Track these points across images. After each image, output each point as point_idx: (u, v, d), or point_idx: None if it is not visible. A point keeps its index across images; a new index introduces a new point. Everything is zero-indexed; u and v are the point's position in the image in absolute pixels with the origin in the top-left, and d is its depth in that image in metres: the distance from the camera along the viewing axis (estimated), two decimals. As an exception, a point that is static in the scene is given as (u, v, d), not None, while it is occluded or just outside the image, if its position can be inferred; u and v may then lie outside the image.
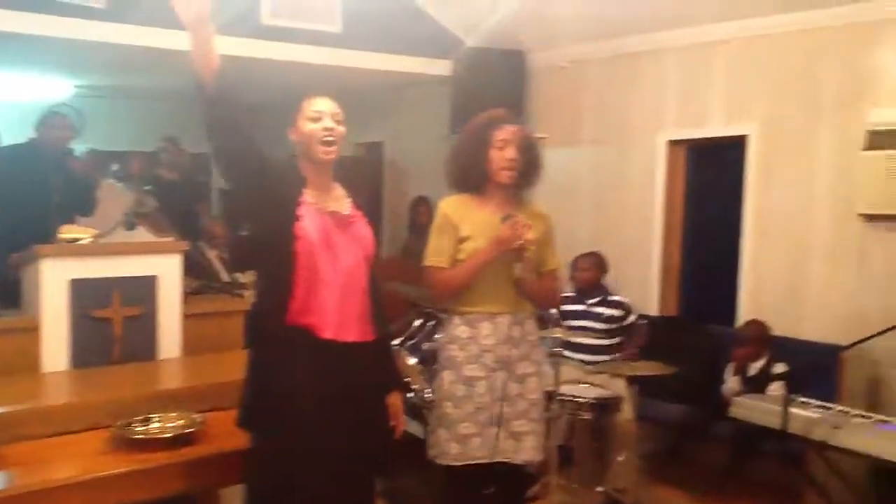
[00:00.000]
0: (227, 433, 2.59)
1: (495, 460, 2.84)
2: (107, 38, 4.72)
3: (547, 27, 5.69)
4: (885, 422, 3.17)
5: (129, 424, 2.59)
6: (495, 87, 5.72)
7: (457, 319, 2.84)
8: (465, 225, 2.84)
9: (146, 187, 6.27)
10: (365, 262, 2.49)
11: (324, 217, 2.41)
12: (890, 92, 4.18)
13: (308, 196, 2.40)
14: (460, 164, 2.91)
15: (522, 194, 2.97)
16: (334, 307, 2.37)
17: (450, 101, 5.91)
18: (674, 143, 5.29)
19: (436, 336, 2.95)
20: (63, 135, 4.48)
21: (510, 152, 2.83)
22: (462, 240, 2.83)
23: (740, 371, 4.28)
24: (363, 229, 2.53)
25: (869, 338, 3.28)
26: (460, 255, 2.83)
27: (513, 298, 2.87)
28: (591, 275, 4.85)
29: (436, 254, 2.84)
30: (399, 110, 7.21)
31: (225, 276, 5.76)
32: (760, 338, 4.30)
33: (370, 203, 8.55)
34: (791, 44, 4.61)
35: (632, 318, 4.75)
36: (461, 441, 2.81)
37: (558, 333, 3.79)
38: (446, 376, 2.83)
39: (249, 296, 5.52)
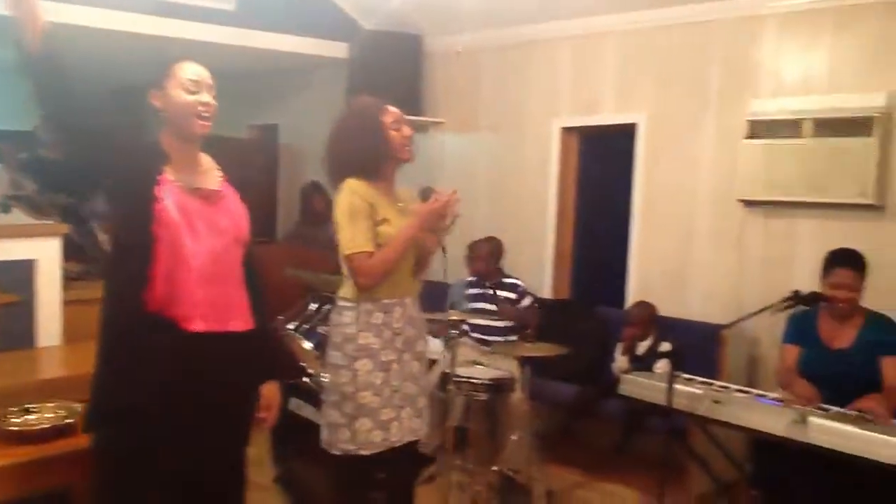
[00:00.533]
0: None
1: (405, 441, 2.88)
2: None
3: (444, 13, 5.69)
4: (763, 396, 3.33)
5: (5, 416, 2.46)
6: (392, 70, 5.69)
7: (370, 306, 2.80)
8: (380, 208, 2.81)
9: (24, 169, 5.94)
10: (236, 245, 2.33)
11: (188, 197, 2.23)
12: (769, 84, 4.40)
13: (169, 174, 2.22)
14: (357, 148, 2.87)
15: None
16: (203, 296, 2.19)
17: (346, 84, 5.84)
18: (567, 130, 5.40)
19: (335, 322, 2.86)
20: None
21: (407, 130, 2.92)
22: (379, 223, 2.79)
23: (629, 350, 4.43)
24: (235, 207, 2.36)
25: (746, 317, 3.43)
26: (379, 239, 2.79)
27: (413, 280, 2.94)
28: (487, 262, 4.91)
29: (361, 240, 2.75)
30: (294, 93, 7.08)
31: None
32: (647, 318, 4.46)
33: (264, 188, 8.40)
34: (678, 36, 4.77)
35: (526, 301, 4.83)
36: (384, 428, 2.81)
37: (454, 316, 3.82)
38: (362, 366, 2.78)
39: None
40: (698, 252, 4.72)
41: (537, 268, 5.51)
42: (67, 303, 3.43)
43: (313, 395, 3.62)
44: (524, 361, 4.03)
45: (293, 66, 6.65)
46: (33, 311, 3.24)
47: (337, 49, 5.90)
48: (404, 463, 3.00)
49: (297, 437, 3.30)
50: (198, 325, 2.18)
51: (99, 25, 4.83)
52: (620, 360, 4.45)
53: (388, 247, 2.77)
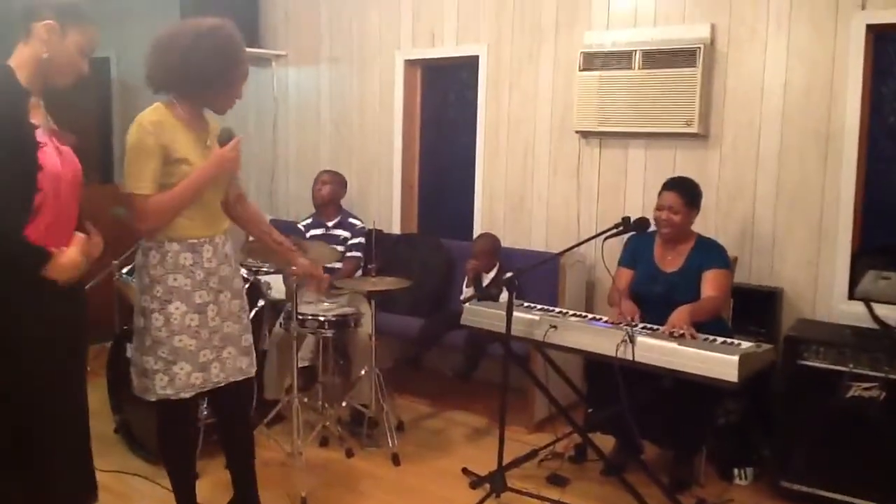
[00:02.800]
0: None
1: (232, 380, 2.82)
2: None
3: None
4: (597, 319, 3.47)
5: None
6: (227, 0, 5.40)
7: (177, 247, 2.66)
8: (180, 146, 2.63)
9: None
10: (78, 187, 2.32)
11: (52, 139, 2.19)
12: (601, 17, 4.48)
13: (35, 116, 2.16)
14: (212, 68, 2.62)
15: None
16: (66, 240, 2.23)
17: (179, 14, 5.50)
18: (410, 63, 5.33)
19: (140, 264, 2.72)
20: None
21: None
22: (175, 162, 2.61)
23: (474, 282, 4.49)
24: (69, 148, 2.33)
25: (580, 244, 3.55)
26: (171, 178, 2.61)
27: (223, 217, 2.85)
28: (332, 189, 4.82)
29: (141, 180, 2.57)
30: (125, 23, 6.62)
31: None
32: (491, 249, 4.53)
33: (98, 125, 7.94)
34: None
35: (355, 240, 4.77)
36: (204, 370, 2.74)
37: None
38: (175, 309, 2.67)
39: None
40: (539, 183, 4.82)
41: (384, 203, 5.48)
42: None
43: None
44: (370, 296, 4.01)
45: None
46: None
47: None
48: (234, 401, 2.94)
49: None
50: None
51: None
52: (466, 292, 4.51)
53: (175, 190, 2.61)
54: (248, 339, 2.91)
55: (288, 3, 5.83)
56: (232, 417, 2.97)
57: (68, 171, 2.25)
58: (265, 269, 4.29)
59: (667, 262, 3.64)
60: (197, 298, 2.70)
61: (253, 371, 2.93)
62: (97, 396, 3.47)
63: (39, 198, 2.14)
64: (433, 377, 4.76)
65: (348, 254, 4.69)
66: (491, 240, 4.58)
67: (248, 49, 5.72)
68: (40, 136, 2.16)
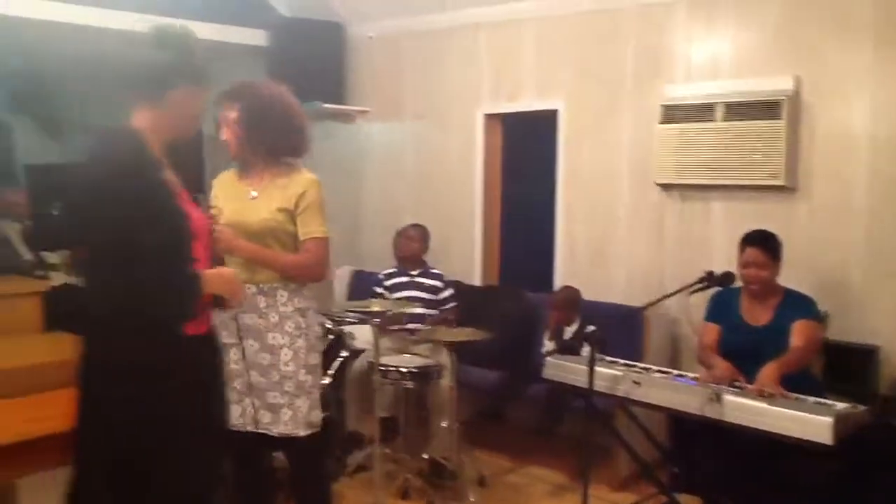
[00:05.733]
0: (13, 423, 2.43)
1: (257, 431, 2.88)
2: None
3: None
4: (682, 376, 3.41)
5: None
6: (313, 58, 5.62)
7: None
8: (220, 198, 3.00)
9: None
10: (208, 237, 2.40)
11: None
12: (681, 69, 4.48)
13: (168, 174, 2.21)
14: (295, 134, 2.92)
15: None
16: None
17: (266, 72, 5.74)
18: (490, 117, 5.42)
19: None
20: None
21: None
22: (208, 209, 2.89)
23: (556, 335, 4.47)
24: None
25: (662, 298, 3.51)
26: None
27: (258, 269, 2.89)
28: (419, 246, 4.91)
29: (324, 225, 2.92)
30: (212, 82, 6.93)
31: (26, 255, 5.38)
32: (572, 302, 4.51)
33: (198, 184, 8.32)
34: (593, 22, 4.82)
35: (447, 292, 4.84)
36: None
37: (376, 307, 3.79)
38: None
39: (58, 277, 5.19)
40: (619, 236, 4.79)
41: (465, 255, 5.53)
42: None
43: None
44: (452, 348, 4.03)
45: (210, 55, 6.49)
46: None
47: (254, 36, 5.77)
48: (291, 457, 3.00)
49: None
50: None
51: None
52: (547, 345, 4.49)
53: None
54: (277, 397, 2.88)
55: (373, 62, 6.01)
56: (292, 474, 3.01)
57: (199, 231, 2.29)
58: (349, 320, 4.37)
59: (755, 316, 3.56)
60: (224, 336, 2.77)
61: (276, 431, 2.89)
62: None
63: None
64: (514, 431, 4.72)
65: (447, 305, 4.79)
66: (572, 292, 4.57)
67: (334, 105, 5.95)
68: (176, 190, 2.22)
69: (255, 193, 2.91)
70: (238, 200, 2.91)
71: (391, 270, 4.96)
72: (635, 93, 4.66)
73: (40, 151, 7.69)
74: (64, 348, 3.07)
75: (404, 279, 4.86)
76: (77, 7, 4.90)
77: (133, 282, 2.01)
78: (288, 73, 5.29)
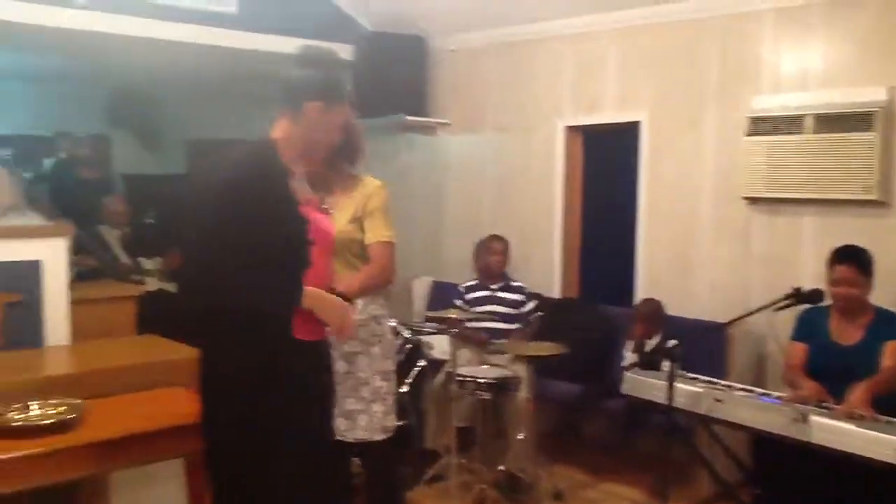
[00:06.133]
0: (111, 419, 2.55)
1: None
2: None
3: (446, 13, 5.71)
4: (767, 395, 3.32)
5: (7, 412, 2.49)
6: (397, 72, 5.72)
7: None
8: None
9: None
10: (328, 254, 2.47)
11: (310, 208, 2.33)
12: (769, 80, 4.38)
13: (295, 186, 2.27)
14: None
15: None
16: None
17: (351, 85, 5.86)
18: (571, 129, 5.40)
19: None
20: None
21: None
22: None
23: (638, 348, 4.41)
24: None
25: (746, 315, 3.43)
26: None
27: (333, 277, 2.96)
28: (501, 258, 4.93)
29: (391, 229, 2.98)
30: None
31: (125, 259, 5.64)
32: (655, 315, 4.45)
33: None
34: (677, 33, 4.76)
35: (530, 305, 4.83)
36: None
37: (453, 314, 3.83)
38: None
39: (151, 282, 5.43)
40: (703, 249, 4.70)
41: (545, 267, 5.51)
42: (75, 302, 3.46)
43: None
44: (529, 361, 4.03)
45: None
46: (40, 311, 3.28)
47: (340, 51, 5.90)
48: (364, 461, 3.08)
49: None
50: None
51: (98, 29, 4.88)
52: (629, 358, 4.43)
53: None
54: (354, 403, 2.95)
55: (454, 74, 6.07)
56: (367, 479, 3.08)
57: (320, 237, 2.34)
58: (427, 330, 4.42)
59: (845, 335, 3.44)
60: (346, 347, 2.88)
61: (352, 437, 2.94)
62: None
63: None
64: (591, 445, 4.67)
65: (530, 318, 4.78)
66: (655, 305, 4.50)
67: (417, 118, 6.03)
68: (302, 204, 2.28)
69: (327, 208, 2.98)
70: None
71: (472, 283, 4.98)
72: (720, 104, 4.58)
73: (136, 162, 8.09)
74: (155, 350, 3.24)
75: (485, 293, 4.87)
76: (173, 25, 5.12)
77: (246, 279, 2.11)
78: (372, 86, 5.42)
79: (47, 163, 7.30)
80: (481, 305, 4.81)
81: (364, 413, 2.91)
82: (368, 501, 3.15)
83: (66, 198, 5.88)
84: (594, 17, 5.10)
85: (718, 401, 3.21)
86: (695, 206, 4.73)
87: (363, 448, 2.96)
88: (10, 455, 2.30)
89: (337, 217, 2.93)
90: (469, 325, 4.34)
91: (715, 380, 3.56)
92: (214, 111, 7.84)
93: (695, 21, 4.67)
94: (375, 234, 2.94)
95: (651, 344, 4.41)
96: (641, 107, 4.95)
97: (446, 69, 6.10)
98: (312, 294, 2.22)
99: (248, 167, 2.19)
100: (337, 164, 2.94)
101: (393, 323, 3.13)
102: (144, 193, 6.84)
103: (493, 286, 4.88)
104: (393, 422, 2.99)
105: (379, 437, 2.93)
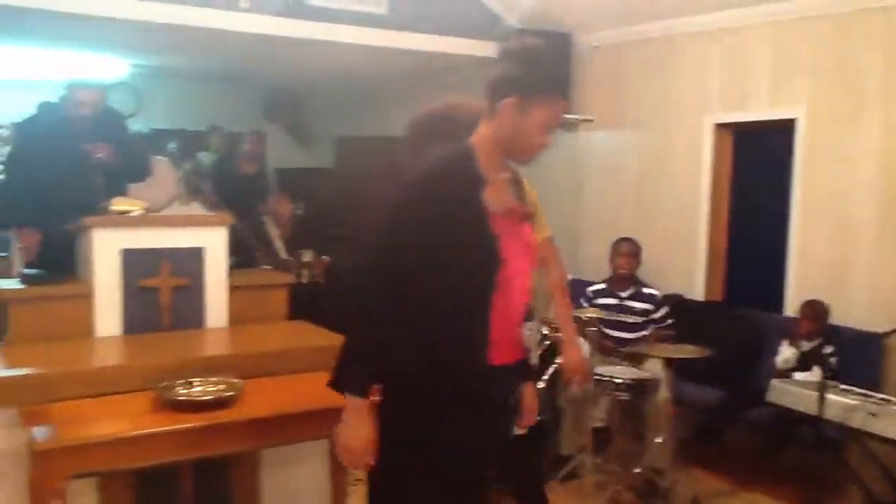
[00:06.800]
0: (265, 399, 2.69)
1: None
2: (160, 18, 4.88)
3: (591, 8, 5.67)
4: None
5: (173, 387, 2.69)
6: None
7: None
8: None
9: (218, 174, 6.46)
10: (527, 276, 2.16)
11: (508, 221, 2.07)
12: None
13: (491, 195, 2.03)
14: None
15: None
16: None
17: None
18: (720, 127, 5.23)
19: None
20: (91, 99, 4.25)
21: None
22: None
23: (796, 344, 4.23)
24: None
25: (911, 324, 3.23)
26: None
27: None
28: (632, 261, 4.84)
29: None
30: (448, 92, 7.24)
31: (283, 254, 5.92)
32: (820, 317, 4.25)
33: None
34: (831, 27, 4.54)
35: (662, 311, 4.72)
36: None
37: (591, 313, 3.80)
38: None
39: (305, 274, 5.65)
40: (862, 255, 4.44)
41: (687, 268, 5.37)
42: (233, 288, 3.66)
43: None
44: (669, 363, 3.95)
45: (446, 66, 6.81)
46: (202, 295, 3.50)
47: (486, 48, 5.98)
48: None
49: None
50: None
51: (258, 31, 5.16)
52: (787, 352, 4.24)
53: None
54: None
55: (597, 70, 6.01)
56: (509, 469, 3.07)
57: (520, 251, 2.12)
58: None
59: None
60: None
61: None
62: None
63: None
64: (734, 453, 4.52)
65: (662, 324, 4.70)
66: (821, 306, 4.29)
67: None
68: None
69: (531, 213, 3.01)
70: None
71: (600, 287, 4.90)
72: (885, 100, 4.31)
73: (287, 157, 8.50)
74: (306, 336, 3.40)
75: (612, 301, 4.78)
76: (327, 25, 5.34)
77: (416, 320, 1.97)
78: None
79: (201, 156, 7.76)
80: (609, 313, 4.73)
81: None
82: (514, 488, 3.18)
83: (228, 191, 6.22)
84: (744, 10, 4.92)
85: (873, 415, 3.05)
86: (855, 207, 4.48)
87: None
88: (173, 427, 2.48)
89: None
90: (593, 329, 4.29)
91: (870, 392, 3.37)
92: (362, 108, 8.12)
93: (853, 12, 4.44)
94: (544, 230, 2.95)
95: (809, 345, 4.21)
96: (798, 103, 4.72)
97: (589, 65, 6.04)
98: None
99: (429, 178, 2.02)
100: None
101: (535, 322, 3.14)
102: (294, 186, 7.16)
103: (622, 293, 4.78)
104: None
105: (520, 430, 2.98)
